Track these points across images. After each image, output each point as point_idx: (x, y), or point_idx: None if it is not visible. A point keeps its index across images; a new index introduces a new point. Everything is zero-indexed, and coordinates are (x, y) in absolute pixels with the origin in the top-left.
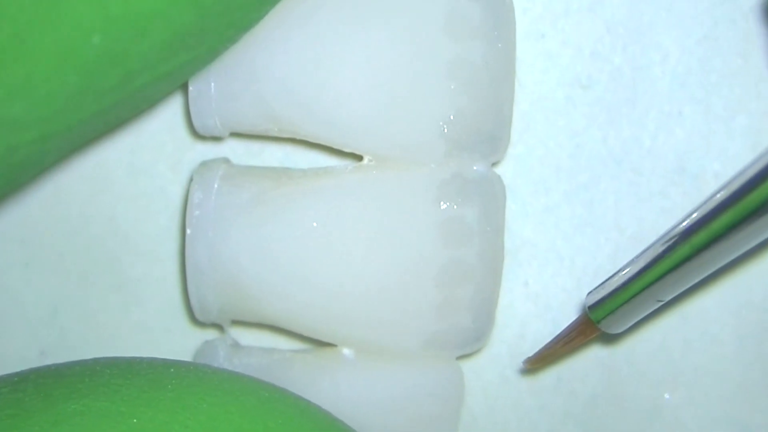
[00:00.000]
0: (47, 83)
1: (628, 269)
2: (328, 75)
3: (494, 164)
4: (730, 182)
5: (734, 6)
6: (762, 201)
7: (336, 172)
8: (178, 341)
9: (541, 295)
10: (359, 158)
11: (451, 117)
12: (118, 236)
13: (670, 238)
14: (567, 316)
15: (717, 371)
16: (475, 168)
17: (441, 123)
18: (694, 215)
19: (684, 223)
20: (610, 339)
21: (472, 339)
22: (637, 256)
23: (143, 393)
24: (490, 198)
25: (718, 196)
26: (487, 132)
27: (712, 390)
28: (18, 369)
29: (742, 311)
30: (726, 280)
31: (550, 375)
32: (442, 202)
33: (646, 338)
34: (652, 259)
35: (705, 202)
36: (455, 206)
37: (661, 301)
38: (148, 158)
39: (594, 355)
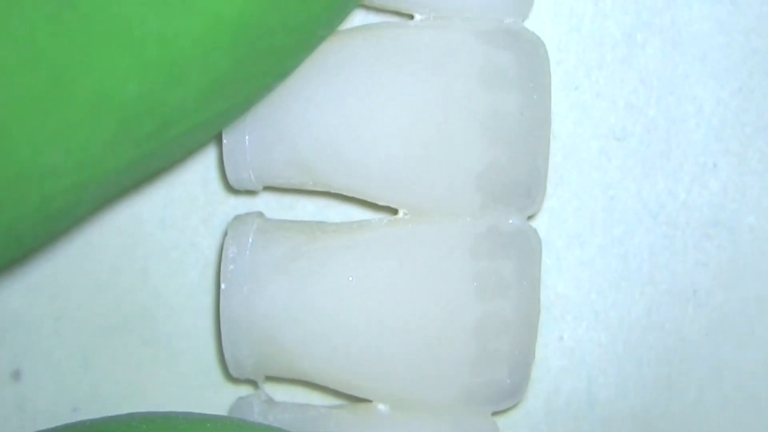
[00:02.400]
0: (84, 130)
1: None
2: (362, 127)
3: (529, 217)
4: None
5: None
6: None
7: (371, 226)
8: (210, 397)
9: (576, 349)
10: (394, 211)
11: (487, 169)
12: (150, 290)
13: None
14: (602, 371)
15: (753, 427)
16: (510, 221)
17: (476, 175)
18: None
19: None
20: (645, 393)
21: (508, 394)
22: None
23: None
24: (526, 251)
25: None
26: (522, 184)
27: None
28: (50, 425)
29: None
30: (762, 335)
31: (585, 430)
32: (477, 256)
33: (681, 393)
34: None
35: None
36: (491, 260)
37: None
38: (180, 212)
39: (629, 410)
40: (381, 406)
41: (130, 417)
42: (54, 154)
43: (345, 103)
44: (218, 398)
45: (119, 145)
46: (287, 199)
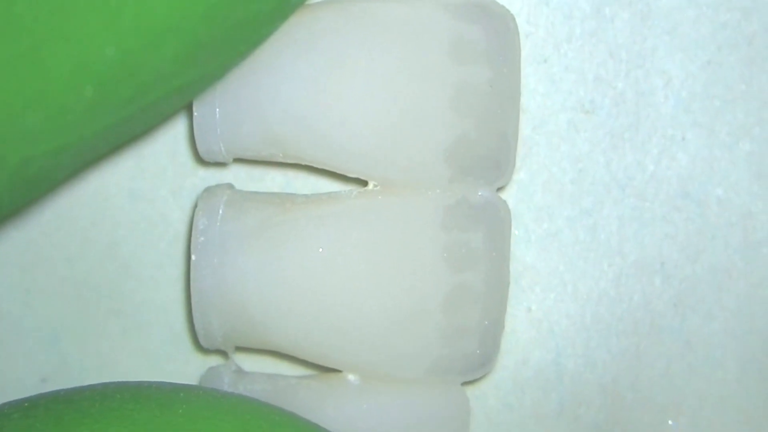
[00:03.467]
0: (62, 95)
1: None
2: (332, 99)
3: (498, 189)
4: None
5: (738, 31)
6: None
7: (341, 198)
8: (180, 368)
9: (544, 321)
10: (364, 183)
11: (456, 142)
12: (119, 262)
13: None
14: (570, 342)
15: (720, 398)
16: (480, 193)
17: (446, 147)
18: None
19: None
20: (613, 365)
21: (478, 364)
22: None
23: (155, 417)
24: (496, 223)
25: None
26: (491, 157)
27: (716, 416)
28: (19, 396)
29: (746, 337)
30: (730, 306)
31: (553, 401)
32: (447, 228)
33: (649, 364)
34: None
35: None
36: (460, 231)
37: None
38: (149, 184)
39: (597, 381)
40: (351, 377)
41: (105, 386)
42: (33, 117)
43: (315, 76)
44: (188, 369)
45: (97, 109)
46: (257, 171)
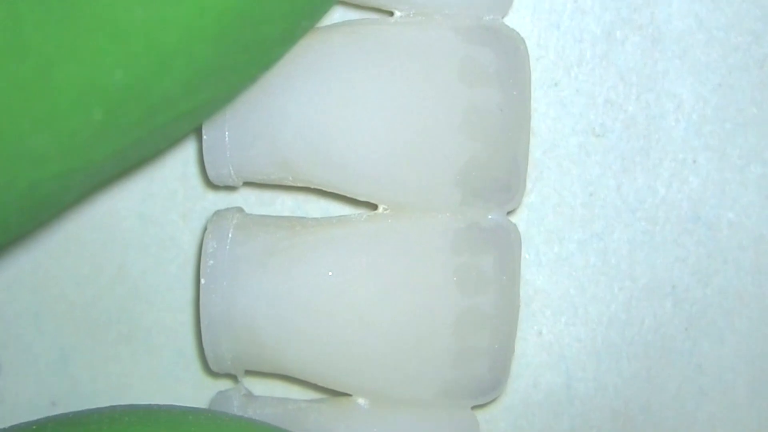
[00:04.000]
0: (71, 117)
1: None
2: (342, 122)
3: (509, 213)
4: None
5: (748, 54)
6: None
7: (351, 221)
8: (190, 391)
9: (555, 344)
10: (374, 207)
11: (466, 165)
12: (129, 285)
13: None
14: (581, 366)
15: (732, 421)
16: (490, 217)
17: (456, 171)
18: None
19: None
20: (624, 388)
21: (488, 388)
22: None
23: None
24: (506, 246)
25: None
26: (502, 180)
27: None
28: (29, 419)
29: (757, 361)
30: (741, 329)
31: (564, 425)
32: (457, 251)
33: (660, 388)
34: None
35: None
36: (471, 255)
37: None
38: (158, 207)
39: (608, 405)
40: (361, 401)
41: (112, 409)
42: (41, 140)
43: (325, 100)
44: (198, 393)
45: (106, 132)
46: (267, 195)
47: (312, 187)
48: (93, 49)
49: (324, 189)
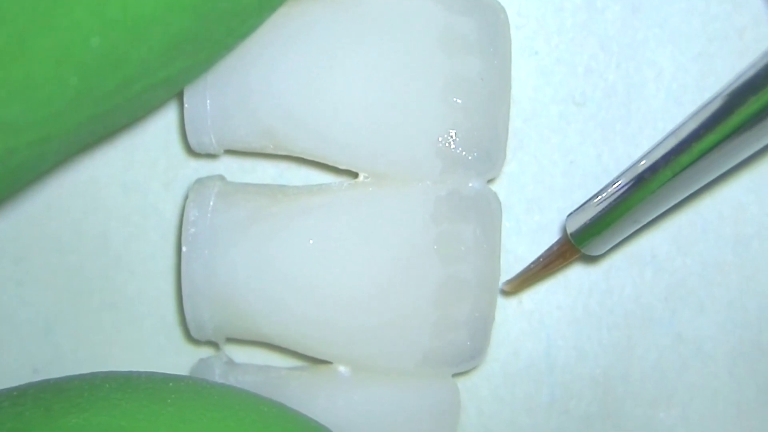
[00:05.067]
0: (47, 85)
1: (608, 191)
2: (323, 91)
3: (489, 181)
4: (704, 107)
5: (728, 23)
6: (736, 126)
7: (332, 189)
8: (172, 359)
9: (535, 312)
10: (355, 175)
11: (447, 133)
12: (111, 254)
13: (651, 160)
14: (561, 334)
15: (711, 390)
16: (470, 185)
17: (437, 139)
18: (671, 140)
19: (662, 147)
20: (604, 356)
21: (468, 356)
22: (616, 178)
23: (143, 407)
24: (487, 215)
25: (692, 123)
26: (483, 148)
27: (707, 409)
28: (11, 385)
29: (737, 330)
30: (721, 299)
31: (544, 393)
32: (438, 220)
33: (640, 356)
34: (632, 180)
35: (679, 128)
36: (451, 223)
37: (639, 222)
38: (141, 176)
39: (588, 373)
40: (342, 368)
41: (94, 376)
42: (17, 108)
43: (305, 69)
44: (179, 360)
45: (82, 100)
46: (248, 163)
47: (293, 155)
48: (69, 17)
49: (305, 157)
